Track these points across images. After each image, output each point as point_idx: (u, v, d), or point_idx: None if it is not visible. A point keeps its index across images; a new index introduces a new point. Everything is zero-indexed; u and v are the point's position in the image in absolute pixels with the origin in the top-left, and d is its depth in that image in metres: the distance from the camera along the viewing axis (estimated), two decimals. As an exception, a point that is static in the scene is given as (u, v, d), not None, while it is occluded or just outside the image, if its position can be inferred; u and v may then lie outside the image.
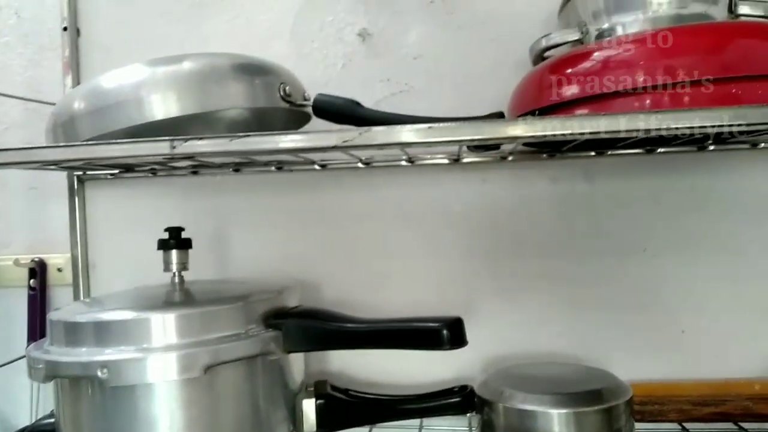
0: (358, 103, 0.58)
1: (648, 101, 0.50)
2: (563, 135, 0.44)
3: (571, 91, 0.53)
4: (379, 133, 0.46)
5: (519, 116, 0.59)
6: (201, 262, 0.70)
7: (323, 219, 0.79)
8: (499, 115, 0.54)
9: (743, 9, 0.57)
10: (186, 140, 0.47)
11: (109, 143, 0.49)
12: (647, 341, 0.73)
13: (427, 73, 0.76)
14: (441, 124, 0.46)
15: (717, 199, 0.71)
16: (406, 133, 0.46)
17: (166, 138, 0.47)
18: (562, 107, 0.54)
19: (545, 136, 0.45)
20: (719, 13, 0.56)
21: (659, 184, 0.72)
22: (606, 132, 0.44)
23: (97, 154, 0.49)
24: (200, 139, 0.47)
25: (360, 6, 0.77)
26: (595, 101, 0.52)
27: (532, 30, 0.72)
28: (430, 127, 0.45)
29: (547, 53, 0.64)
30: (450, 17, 0.75)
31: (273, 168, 0.77)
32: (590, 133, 0.44)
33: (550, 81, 0.56)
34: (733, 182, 0.71)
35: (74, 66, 0.81)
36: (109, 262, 0.82)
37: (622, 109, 0.51)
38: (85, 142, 0.51)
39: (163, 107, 0.53)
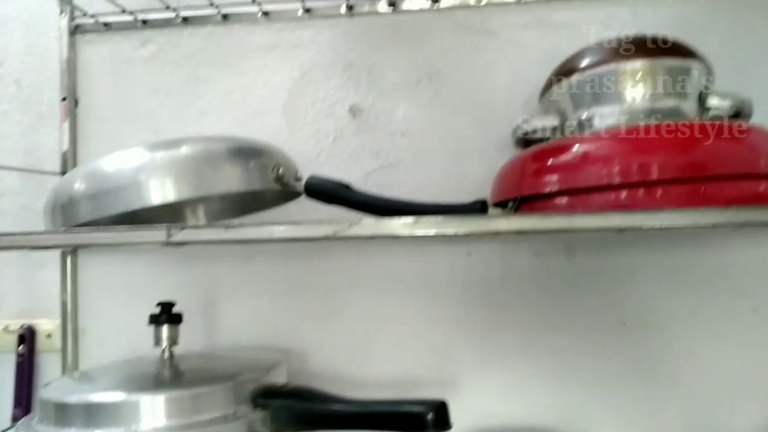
0: (348, 186, 0.61)
1: (624, 195, 0.53)
2: (542, 230, 0.47)
3: (550, 184, 0.56)
4: (368, 225, 0.48)
5: (501, 202, 0.62)
6: (191, 329, 0.71)
7: (313, 288, 0.80)
8: (482, 204, 0.57)
9: (712, 102, 0.60)
10: (182, 228, 0.49)
11: (107, 230, 0.50)
12: (628, 414, 0.74)
13: (414, 149, 0.79)
14: (428, 218, 0.48)
15: (690, 274, 0.74)
16: (395, 226, 0.48)
17: (163, 225, 0.49)
18: (543, 197, 0.57)
19: (525, 231, 0.47)
20: (690, 107, 0.60)
21: (636, 259, 0.74)
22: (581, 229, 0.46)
23: (93, 241, 0.51)
24: (196, 227, 0.49)
25: (350, 83, 0.80)
26: (574, 193, 0.55)
27: (514, 111, 0.76)
28: (416, 221, 0.48)
29: (528, 136, 0.68)
30: (436, 96, 0.79)
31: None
32: (567, 229, 0.46)
33: (532, 170, 0.59)
34: (704, 258, 0.74)
35: (72, 135, 0.83)
36: (98, 329, 0.83)
37: (599, 201, 0.53)
38: (82, 228, 0.52)
39: (161, 192, 0.55)
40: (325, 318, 0.80)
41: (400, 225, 0.48)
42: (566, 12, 0.77)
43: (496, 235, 0.49)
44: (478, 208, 0.56)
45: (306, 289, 0.80)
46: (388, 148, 0.79)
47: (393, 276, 0.79)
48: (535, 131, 0.66)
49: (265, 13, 0.81)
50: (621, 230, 0.47)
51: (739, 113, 0.61)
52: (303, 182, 0.62)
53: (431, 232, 0.48)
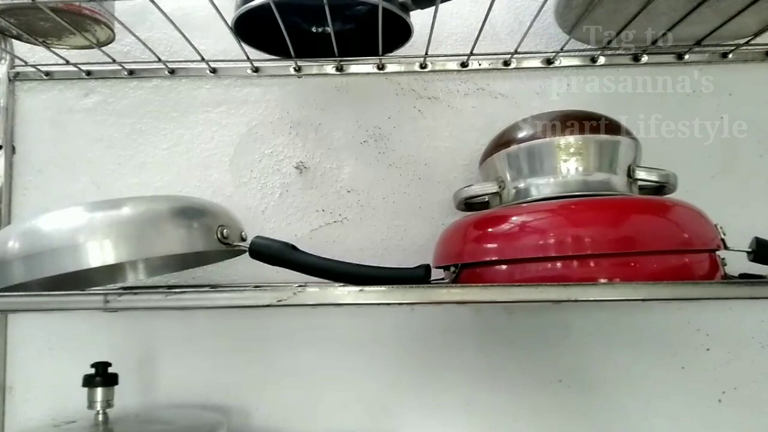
0: (293, 247, 0.61)
1: (559, 265, 0.55)
2: (482, 302, 0.49)
3: (490, 253, 0.58)
4: (312, 294, 0.49)
5: (444, 266, 0.64)
6: (127, 386, 0.69)
7: (255, 345, 0.79)
8: (426, 269, 0.58)
9: (640, 174, 0.64)
10: (120, 294, 0.48)
11: (41, 295, 0.49)
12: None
13: (359, 206, 0.80)
14: (371, 288, 0.49)
15: (622, 333, 0.77)
16: (339, 295, 0.49)
17: (100, 291, 0.48)
18: (484, 264, 0.59)
19: (466, 302, 0.49)
20: (620, 180, 0.63)
21: (571, 319, 0.78)
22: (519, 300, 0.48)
23: (25, 307, 0.49)
24: (134, 293, 0.49)
25: (298, 141, 0.82)
26: (513, 262, 0.57)
27: (455, 174, 0.79)
28: (361, 290, 0.49)
29: (470, 200, 0.70)
30: (381, 156, 0.81)
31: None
32: (505, 300, 0.48)
33: (472, 237, 0.62)
34: (634, 319, 0.77)
35: (7, 184, 0.80)
36: (27, 387, 0.79)
37: (536, 271, 0.56)
38: (14, 294, 0.50)
39: (99, 255, 0.53)
40: (267, 375, 0.79)
41: (345, 294, 0.49)
42: (504, 82, 0.81)
43: (438, 304, 0.50)
44: (422, 273, 0.57)
45: (248, 346, 0.79)
46: (333, 205, 0.80)
47: (337, 333, 0.79)
48: (475, 197, 0.69)
49: (213, 70, 0.82)
50: (556, 302, 0.49)
51: (664, 186, 0.66)
52: (248, 242, 0.62)
53: (375, 301, 0.49)
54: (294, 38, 0.71)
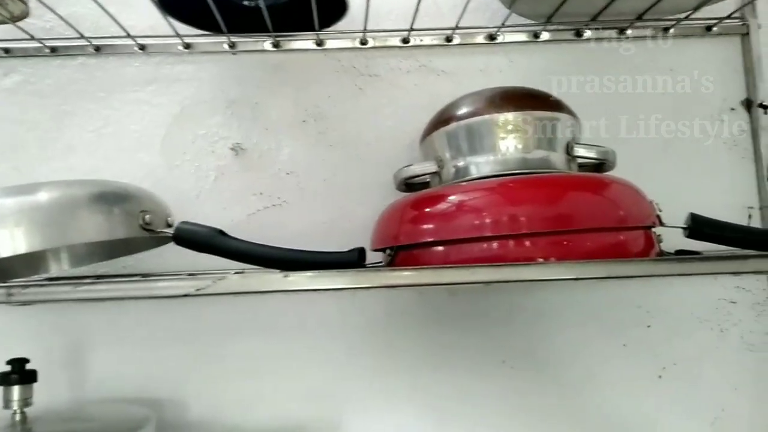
0: (222, 232, 0.58)
1: (495, 245, 0.54)
2: (411, 285, 0.47)
3: (426, 234, 0.56)
4: (234, 282, 0.46)
5: (382, 249, 0.62)
6: (54, 383, 0.65)
7: (190, 334, 0.76)
8: (359, 252, 0.56)
9: (579, 151, 0.63)
10: (25, 287, 0.45)
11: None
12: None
13: (299, 189, 0.78)
14: (297, 274, 0.47)
15: (566, 312, 0.77)
16: (263, 282, 0.46)
17: (4, 284, 0.45)
18: (420, 245, 0.57)
19: (395, 286, 0.47)
20: (559, 158, 0.62)
21: (515, 299, 0.77)
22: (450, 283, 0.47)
23: None
24: (41, 285, 0.45)
25: (233, 121, 0.78)
26: (449, 243, 0.56)
27: (399, 153, 0.77)
28: (286, 276, 0.46)
29: (410, 181, 0.68)
30: (321, 136, 0.78)
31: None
32: (435, 283, 0.47)
33: (409, 218, 0.60)
34: (578, 298, 0.77)
35: None
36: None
37: (472, 251, 0.54)
38: None
39: (10, 244, 0.49)
40: (205, 366, 0.76)
41: (269, 281, 0.46)
42: (447, 58, 0.79)
43: (368, 289, 0.48)
44: (355, 257, 0.55)
45: (184, 336, 0.76)
46: (272, 188, 0.78)
47: (275, 319, 0.77)
48: (414, 177, 0.67)
49: (141, 47, 0.77)
50: (488, 283, 0.48)
51: (603, 163, 0.65)
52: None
53: (301, 287, 0.47)
54: (225, 12, 0.68)
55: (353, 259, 0.56)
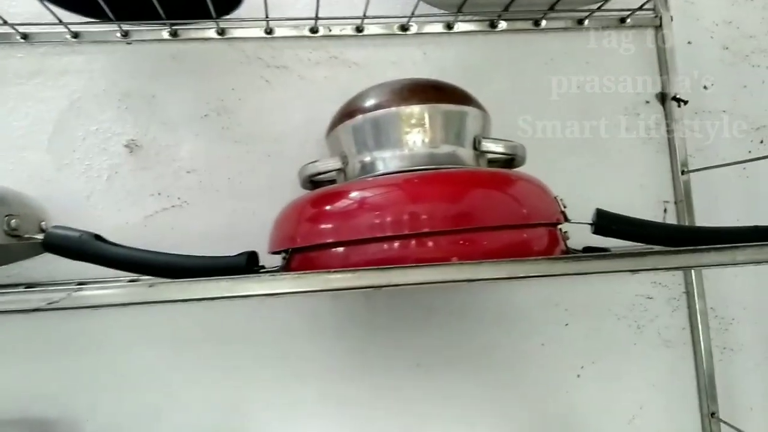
0: (98, 237, 0.53)
1: (397, 245, 0.51)
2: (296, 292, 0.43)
3: (325, 234, 0.52)
4: (91, 295, 0.41)
5: (278, 251, 0.58)
6: None
7: (86, 347, 0.70)
8: (249, 257, 0.52)
9: (487, 146, 0.61)
10: None
11: None
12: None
13: (201, 188, 0.73)
14: (165, 284, 0.42)
15: (484, 312, 0.75)
16: (124, 294, 0.42)
17: None
18: (319, 246, 0.53)
19: (278, 294, 0.43)
20: (467, 153, 0.60)
21: (431, 299, 0.74)
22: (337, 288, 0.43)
23: None
24: None
25: (128, 116, 0.72)
26: (349, 244, 0.52)
27: (308, 149, 0.73)
28: (151, 286, 0.42)
29: (316, 178, 0.64)
30: (225, 131, 0.74)
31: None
32: (322, 290, 0.43)
33: (306, 217, 0.56)
34: (497, 297, 0.75)
35: None
36: None
37: (373, 252, 0.51)
38: None
39: None
40: (101, 380, 0.70)
41: (131, 292, 0.42)
42: (358, 49, 0.76)
43: (252, 297, 0.44)
44: (243, 262, 0.51)
45: (77, 349, 0.70)
46: (171, 187, 0.72)
47: (182, 329, 0.71)
48: (319, 174, 0.63)
49: (24, 36, 0.71)
50: (378, 287, 0.45)
51: (513, 158, 0.63)
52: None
53: (168, 298, 0.42)
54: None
55: (241, 264, 0.51)
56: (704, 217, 0.76)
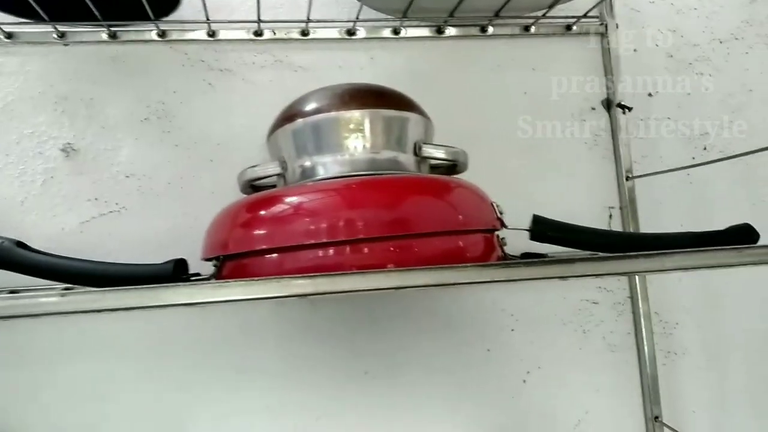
0: (20, 244, 0.51)
1: (332, 252, 0.50)
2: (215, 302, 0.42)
3: (258, 241, 0.51)
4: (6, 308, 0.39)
5: (211, 258, 0.56)
6: None
7: (13, 358, 0.67)
8: (177, 264, 0.50)
9: (427, 152, 0.60)
10: None
11: None
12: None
13: (140, 193, 0.71)
14: (78, 293, 0.40)
15: (431, 319, 0.74)
16: (34, 304, 0.40)
17: None
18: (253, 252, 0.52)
19: (195, 304, 0.42)
20: (408, 158, 0.59)
21: (378, 306, 0.73)
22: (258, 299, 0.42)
23: None
24: None
25: (65, 119, 0.70)
26: (283, 250, 0.51)
27: (250, 153, 0.72)
28: (63, 296, 0.40)
29: (257, 183, 0.63)
30: (166, 135, 0.72)
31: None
32: (241, 299, 0.42)
33: (240, 222, 0.55)
34: (444, 303, 0.75)
35: None
36: None
37: (307, 259, 0.50)
38: None
39: None
40: (31, 394, 0.67)
41: (42, 302, 0.40)
42: (304, 53, 0.75)
43: (172, 306, 0.43)
44: (170, 270, 0.50)
45: (3, 362, 0.67)
46: (109, 192, 0.70)
47: (117, 340, 0.69)
48: (258, 179, 0.62)
49: (-47, 35, 0.68)
50: (303, 296, 0.44)
51: (456, 165, 0.62)
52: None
53: (81, 308, 0.40)
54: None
55: (167, 272, 0.50)
56: (649, 223, 0.77)
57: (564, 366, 0.76)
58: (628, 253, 0.46)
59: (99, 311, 0.40)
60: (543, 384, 0.75)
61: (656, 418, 0.74)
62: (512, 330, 0.75)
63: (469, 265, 0.45)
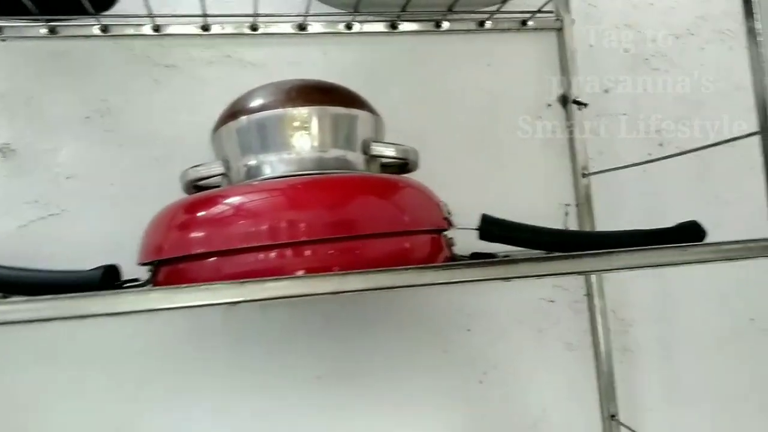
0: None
1: (273, 254, 0.48)
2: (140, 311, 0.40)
3: (195, 244, 0.49)
4: None
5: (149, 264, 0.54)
6: None
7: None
8: (108, 271, 0.48)
9: (376, 150, 0.59)
10: None
11: None
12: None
13: (82, 195, 0.68)
14: None
15: (386, 321, 0.73)
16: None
17: None
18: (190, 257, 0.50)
19: (121, 313, 0.40)
20: (357, 157, 0.57)
21: (329, 308, 0.72)
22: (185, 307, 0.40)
23: None
24: None
25: (2, 119, 0.67)
26: (221, 254, 0.49)
27: (200, 153, 0.69)
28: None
29: (201, 183, 0.61)
30: (109, 134, 0.69)
31: None
32: (167, 308, 0.40)
33: (177, 224, 0.52)
34: (400, 304, 0.73)
35: None
36: None
37: (247, 263, 0.48)
38: None
39: None
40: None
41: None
42: (254, 49, 0.73)
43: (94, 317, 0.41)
44: (98, 277, 0.48)
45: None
46: (49, 194, 0.67)
47: (58, 348, 0.67)
48: (201, 179, 0.60)
49: None
50: (232, 304, 0.42)
51: (407, 163, 0.61)
52: None
53: (-5, 319, 0.38)
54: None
55: (95, 280, 0.48)
56: (606, 220, 0.76)
57: (521, 365, 0.75)
58: (572, 253, 0.45)
59: (11, 323, 0.38)
60: (500, 384, 0.74)
61: (612, 416, 0.74)
62: (468, 330, 0.74)
63: (408, 267, 0.43)
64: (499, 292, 0.75)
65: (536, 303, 0.76)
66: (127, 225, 0.68)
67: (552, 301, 0.76)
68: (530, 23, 0.77)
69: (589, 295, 0.76)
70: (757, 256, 0.46)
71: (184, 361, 0.69)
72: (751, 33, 0.46)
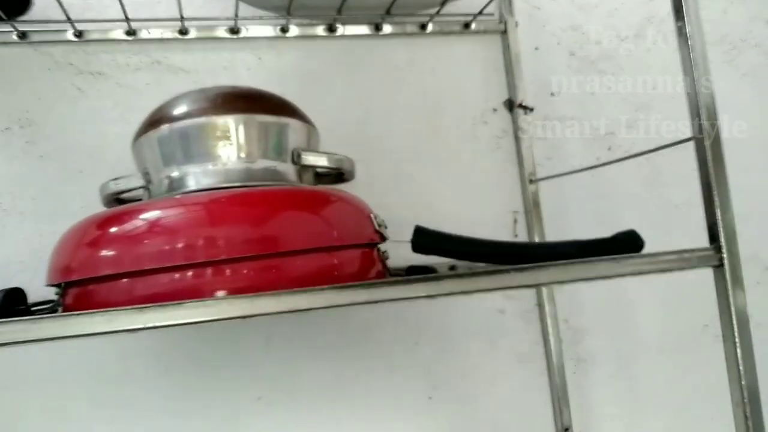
0: None
1: (190, 274, 0.45)
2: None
3: (105, 264, 0.45)
4: None
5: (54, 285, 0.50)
6: None
7: None
8: (10, 294, 0.45)
9: (308, 159, 0.56)
10: None
11: None
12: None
13: (1, 210, 0.64)
14: None
15: (333, 336, 0.70)
16: None
17: None
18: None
19: (13, 344, 0.36)
20: (288, 168, 0.54)
21: (269, 327, 0.68)
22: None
23: None
24: None
25: None
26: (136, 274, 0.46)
27: (126, 163, 0.65)
28: None
29: (122, 196, 0.58)
30: (29, 146, 0.65)
31: None
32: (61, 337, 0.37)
33: (88, 240, 0.49)
34: (349, 316, 0.70)
35: None
36: None
37: (163, 284, 0.44)
38: None
39: None
40: None
41: None
42: (185, 54, 0.69)
43: None
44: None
45: None
46: (-38, 213, 0.63)
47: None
48: (120, 192, 0.56)
49: None
50: (132, 331, 0.39)
51: (342, 173, 0.58)
52: None
53: None
54: None
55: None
56: (555, 226, 0.75)
57: (471, 379, 0.72)
58: (499, 267, 0.43)
59: None
60: (450, 400, 0.72)
61: (566, 429, 0.72)
62: (416, 343, 0.71)
63: (325, 287, 0.41)
64: (446, 302, 0.72)
65: (486, 313, 0.73)
66: (49, 242, 0.64)
67: (502, 312, 0.74)
68: (473, 26, 0.75)
69: (540, 305, 0.74)
70: (694, 267, 0.45)
71: (113, 386, 0.65)
72: (681, 34, 0.44)
